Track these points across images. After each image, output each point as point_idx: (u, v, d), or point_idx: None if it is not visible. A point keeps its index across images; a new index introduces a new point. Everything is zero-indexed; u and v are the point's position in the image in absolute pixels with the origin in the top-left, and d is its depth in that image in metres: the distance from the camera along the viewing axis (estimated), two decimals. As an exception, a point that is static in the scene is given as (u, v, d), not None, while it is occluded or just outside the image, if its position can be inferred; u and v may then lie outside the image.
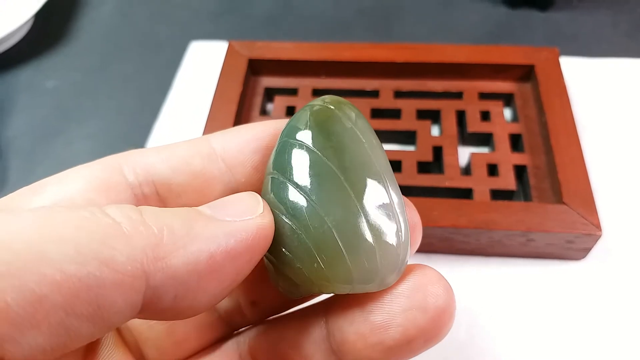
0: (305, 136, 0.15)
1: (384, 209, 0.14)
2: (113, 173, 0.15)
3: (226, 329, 0.18)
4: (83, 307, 0.11)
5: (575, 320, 0.26)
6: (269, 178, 0.15)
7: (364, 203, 0.14)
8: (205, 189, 0.16)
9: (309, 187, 0.14)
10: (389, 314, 0.14)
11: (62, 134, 0.37)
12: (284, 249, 0.14)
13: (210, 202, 0.14)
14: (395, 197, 0.15)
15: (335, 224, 0.14)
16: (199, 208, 0.14)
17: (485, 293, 0.27)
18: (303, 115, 0.16)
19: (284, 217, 0.14)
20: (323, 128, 0.15)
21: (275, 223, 0.14)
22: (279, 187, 0.15)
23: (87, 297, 0.11)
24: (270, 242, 0.14)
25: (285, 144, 0.15)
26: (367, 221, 0.14)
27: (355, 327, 0.15)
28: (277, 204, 0.14)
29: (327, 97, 0.16)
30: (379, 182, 0.15)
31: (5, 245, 0.10)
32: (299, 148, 0.15)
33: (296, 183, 0.14)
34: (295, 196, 0.14)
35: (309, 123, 0.15)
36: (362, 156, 0.15)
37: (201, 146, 0.16)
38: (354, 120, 0.16)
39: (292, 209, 0.14)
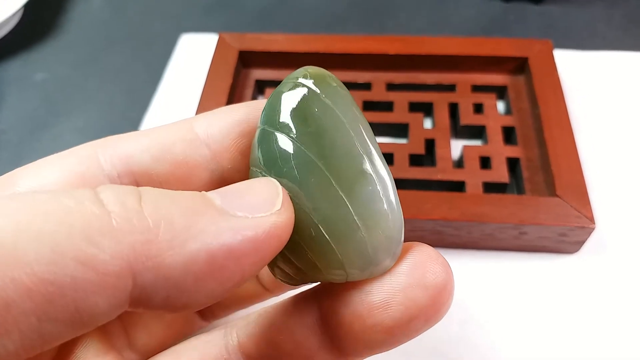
0: (282, 123, 0.14)
1: (371, 195, 0.14)
2: (89, 165, 0.14)
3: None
4: (58, 312, 0.09)
5: (568, 314, 0.25)
6: (252, 171, 0.14)
7: (349, 192, 0.13)
8: (189, 178, 0.15)
9: (291, 181, 0.13)
10: (388, 293, 0.13)
11: (51, 127, 0.37)
12: None
13: (197, 189, 0.13)
14: (383, 177, 0.14)
15: (321, 219, 0.13)
16: (209, 194, 0.12)
17: (477, 287, 0.27)
18: (277, 98, 0.14)
19: None
20: (300, 112, 0.14)
21: None
22: None
23: (63, 302, 0.09)
24: (285, 242, 0.12)
25: (264, 134, 0.14)
26: (355, 211, 0.13)
27: (352, 309, 0.14)
28: None
29: (309, 70, 0.15)
30: (363, 167, 0.14)
31: None
32: (277, 137, 0.14)
33: (278, 177, 0.14)
34: None
35: (284, 107, 0.14)
36: (343, 138, 0.14)
37: (183, 131, 0.15)
38: (334, 96, 0.14)
39: None
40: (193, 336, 0.17)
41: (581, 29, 0.40)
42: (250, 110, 0.16)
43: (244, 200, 0.12)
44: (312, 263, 0.14)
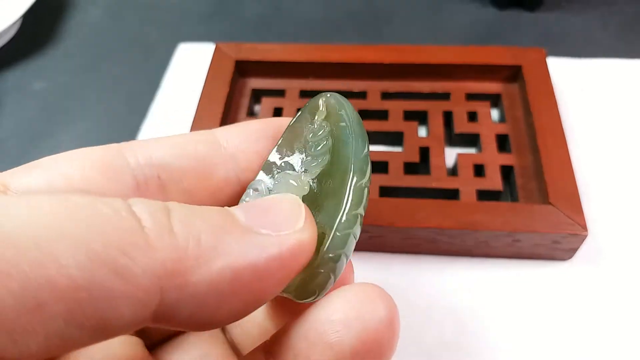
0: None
1: None
2: (114, 155, 0.15)
3: None
4: (86, 318, 0.10)
5: (562, 321, 0.26)
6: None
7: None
8: (207, 174, 0.16)
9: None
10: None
11: (50, 136, 0.37)
12: None
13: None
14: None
15: None
16: (233, 211, 0.12)
17: (471, 294, 0.27)
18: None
19: None
20: None
21: None
22: None
23: (92, 309, 0.10)
24: (309, 259, 0.13)
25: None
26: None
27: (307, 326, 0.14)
28: None
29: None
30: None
31: (9, 239, 0.09)
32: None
33: None
34: None
35: None
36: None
37: (204, 135, 0.17)
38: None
39: None
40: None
41: (576, 36, 0.40)
42: (266, 126, 0.17)
43: (268, 217, 0.12)
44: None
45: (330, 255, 0.14)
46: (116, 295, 0.10)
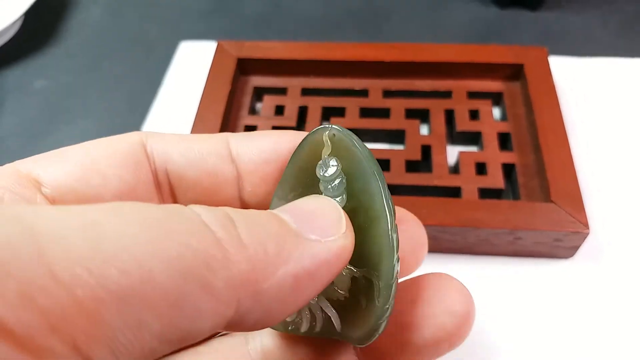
0: None
1: None
2: (140, 151, 0.15)
3: None
4: (175, 334, 0.10)
5: (563, 319, 0.26)
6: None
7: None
8: (215, 189, 0.16)
9: None
10: (419, 318, 0.15)
11: (51, 134, 0.37)
12: None
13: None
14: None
15: None
16: (282, 216, 0.13)
17: (473, 292, 0.27)
18: None
19: None
20: None
21: None
22: None
23: (181, 325, 0.10)
24: (347, 262, 0.13)
25: None
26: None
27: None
28: None
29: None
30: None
31: (116, 265, 0.09)
32: None
33: None
34: None
35: None
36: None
37: (219, 145, 0.16)
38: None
39: None
40: (215, 339, 0.17)
41: (577, 34, 0.40)
42: (279, 140, 0.16)
43: (316, 223, 0.13)
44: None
45: (386, 307, 0.14)
46: (203, 310, 0.10)
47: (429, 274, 0.16)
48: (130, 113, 0.38)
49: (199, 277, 0.10)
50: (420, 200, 0.27)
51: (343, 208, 0.14)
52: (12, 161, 0.15)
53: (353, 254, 0.14)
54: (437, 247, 0.28)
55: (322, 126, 0.16)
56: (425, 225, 0.26)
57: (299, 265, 0.12)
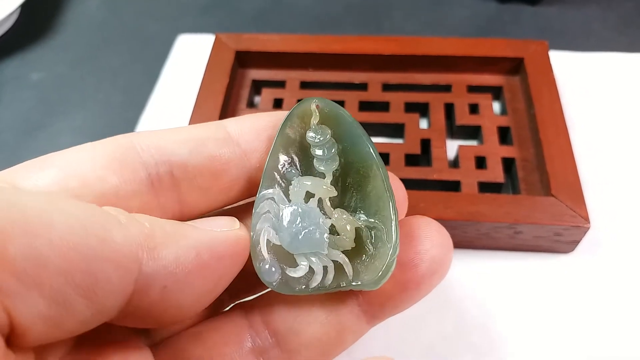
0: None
1: None
2: (127, 151, 0.15)
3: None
4: (81, 277, 0.11)
5: (563, 313, 0.26)
6: None
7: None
8: (220, 172, 0.16)
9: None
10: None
11: (48, 127, 0.37)
12: None
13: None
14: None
15: None
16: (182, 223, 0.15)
17: (472, 286, 0.27)
18: None
19: None
20: None
21: None
22: None
23: (86, 268, 0.12)
24: (249, 254, 0.15)
25: None
26: None
27: None
28: None
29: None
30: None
31: (19, 209, 0.11)
32: None
33: None
34: None
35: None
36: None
37: (214, 130, 0.17)
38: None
39: None
40: (214, 318, 0.18)
41: (576, 29, 0.40)
42: (273, 118, 0.17)
43: (211, 222, 0.15)
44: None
45: (396, 244, 0.16)
46: (104, 257, 0.12)
47: (407, 217, 0.17)
48: (127, 106, 0.37)
49: (96, 230, 0.12)
50: (419, 194, 0.27)
51: (337, 168, 0.17)
52: (9, 152, 0.15)
53: (354, 207, 0.17)
54: (436, 241, 0.27)
55: (306, 98, 0.17)
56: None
57: (200, 242, 0.14)
